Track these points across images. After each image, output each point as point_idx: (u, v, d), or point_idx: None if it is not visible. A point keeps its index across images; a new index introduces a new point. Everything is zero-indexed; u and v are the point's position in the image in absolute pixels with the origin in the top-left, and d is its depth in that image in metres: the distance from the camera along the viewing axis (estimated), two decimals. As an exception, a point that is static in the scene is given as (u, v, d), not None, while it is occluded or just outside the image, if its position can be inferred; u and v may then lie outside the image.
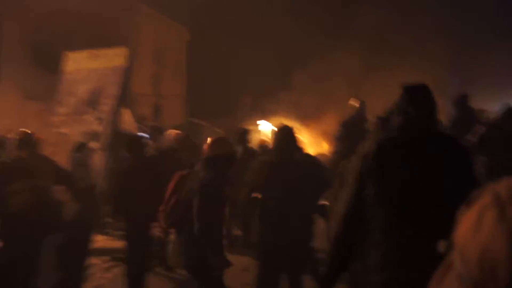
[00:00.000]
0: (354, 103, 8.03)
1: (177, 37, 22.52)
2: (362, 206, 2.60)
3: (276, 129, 4.73)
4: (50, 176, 5.42)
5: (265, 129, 15.04)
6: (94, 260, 6.37)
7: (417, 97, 2.72)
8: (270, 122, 15.56)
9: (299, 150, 4.60)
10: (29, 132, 5.77)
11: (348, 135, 7.29)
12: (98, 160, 6.20)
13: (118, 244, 6.35)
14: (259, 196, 4.49)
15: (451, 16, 17.54)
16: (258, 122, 15.43)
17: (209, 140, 4.30)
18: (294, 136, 4.58)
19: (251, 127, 13.24)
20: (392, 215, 2.53)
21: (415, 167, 2.56)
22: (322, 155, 9.18)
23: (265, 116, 16.00)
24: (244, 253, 7.09)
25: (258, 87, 19.23)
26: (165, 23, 20.86)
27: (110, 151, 6.32)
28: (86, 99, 6.72)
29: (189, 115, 19.38)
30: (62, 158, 6.43)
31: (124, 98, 6.80)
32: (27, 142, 5.41)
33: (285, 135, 4.58)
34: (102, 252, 6.86)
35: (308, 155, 4.78)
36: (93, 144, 6.31)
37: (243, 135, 8.16)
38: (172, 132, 8.95)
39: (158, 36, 20.27)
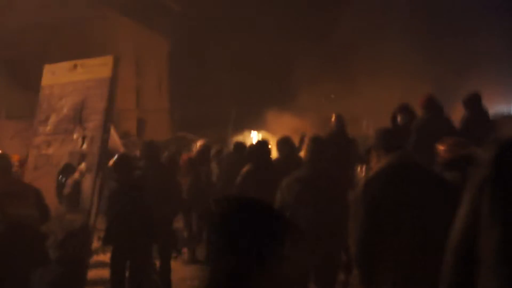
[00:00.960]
0: (332, 118, 7.55)
1: (158, 48, 21.89)
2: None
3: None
4: (30, 204, 4.75)
5: (255, 140, 14.53)
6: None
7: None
8: (260, 133, 15.10)
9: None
10: (5, 154, 5.12)
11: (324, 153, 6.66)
12: (88, 184, 5.54)
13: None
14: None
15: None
16: (251, 133, 14.92)
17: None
18: (327, 147, 4.03)
19: (241, 138, 12.71)
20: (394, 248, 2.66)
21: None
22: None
23: (254, 127, 15.50)
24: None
25: (244, 97, 18.75)
26: (145, 34, 20.23)
27: (100, 172, 5.65)
28: (71, 116, 6.02)
29: (174, 129, 18.76)
30: (46, 183, 5.77)
31: (112, 112, 6.12)
32: (3, 166, 4.77)
33: (318, 147, 4.01)
34: (95, 283, 6.20)
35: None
36: (81, 166, 5.64)
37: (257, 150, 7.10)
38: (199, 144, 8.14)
39: (138, 48, 19.63)
